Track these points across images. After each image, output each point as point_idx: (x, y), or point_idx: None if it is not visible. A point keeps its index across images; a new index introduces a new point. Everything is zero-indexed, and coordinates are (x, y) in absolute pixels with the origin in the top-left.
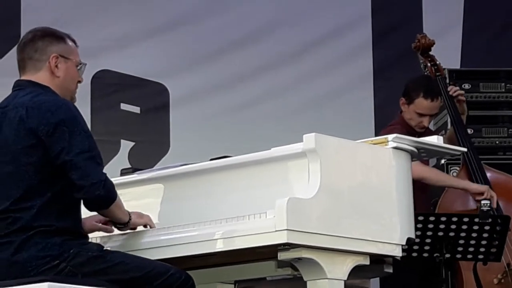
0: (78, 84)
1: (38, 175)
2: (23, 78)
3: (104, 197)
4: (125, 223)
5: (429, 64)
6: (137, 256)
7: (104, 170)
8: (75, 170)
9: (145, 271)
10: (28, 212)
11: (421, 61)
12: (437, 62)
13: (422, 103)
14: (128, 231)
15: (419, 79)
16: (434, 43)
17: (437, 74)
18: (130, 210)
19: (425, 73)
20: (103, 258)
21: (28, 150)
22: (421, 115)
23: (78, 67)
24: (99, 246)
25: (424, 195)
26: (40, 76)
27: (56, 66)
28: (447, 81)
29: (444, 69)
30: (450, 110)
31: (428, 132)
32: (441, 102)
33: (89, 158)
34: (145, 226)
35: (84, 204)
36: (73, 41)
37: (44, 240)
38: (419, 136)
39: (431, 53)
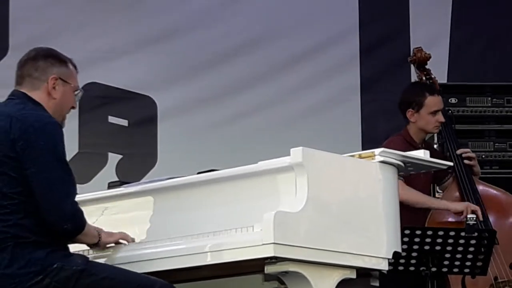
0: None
1: (13, 186)
2: (19, 90)
3: (71, 231)
4: (94, 244)
5: (424, 78)
6: (122, 268)
7: (92, 183)
8: (44, 200)
9: (130, 286)
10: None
11: (417, 74)
12: (433, 76)
13: (432, 101)
14: (112, 244)
15: (413, 86)
16: (430, 57)
17: None
18: (104, 227)
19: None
20: (88, 272)
21: (7, 160)
22: (435, 113)
23: (76, 93)
24: (83, 259)
25: (423, 211)
26: (36, 94)
27: (54, 87)
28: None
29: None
30: (443, 122)
31: (429, 147)
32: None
33: (60, 190)
34: (118, 242)
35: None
36: (75, 66)
37: (26, 256)
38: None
39: (427, 67)
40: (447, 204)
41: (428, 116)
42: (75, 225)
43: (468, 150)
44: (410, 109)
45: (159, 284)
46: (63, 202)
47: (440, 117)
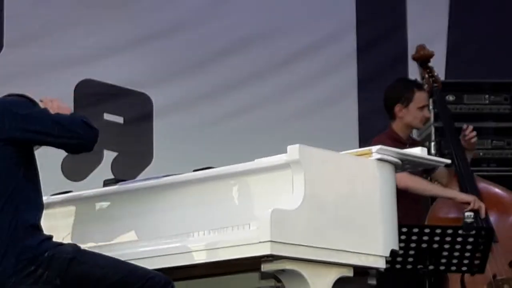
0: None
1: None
2: None
3: (95, 136)
4: None
5: (426, 76)
6: (114, 258)
7: (87, 181)
8: (62, 141)
9: (122, 275)
10: None
11: (420, 71)
12: (435, 74)
13: (421, 96)
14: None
15: (399, 82)
16: (433, 55)
17: (434, 85)
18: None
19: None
20: (78, 260)
21: None
22: (422, 107)
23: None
24: (74, 247)
25: (417, 206)
26: None
27: None
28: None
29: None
30: (444, 118)
31: (416, 144)
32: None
33: (61, 126)
34: None
35: None
36: None
37: (18, 244)
38: (409, 147)
39: (430, 64)
40: (455, 193)
41: (416, 111)
42: (92, 132)
43: (471, 128)
44: (399, 104)
45: (152, 274)
46: (70, 127)
47: (427, 113)
